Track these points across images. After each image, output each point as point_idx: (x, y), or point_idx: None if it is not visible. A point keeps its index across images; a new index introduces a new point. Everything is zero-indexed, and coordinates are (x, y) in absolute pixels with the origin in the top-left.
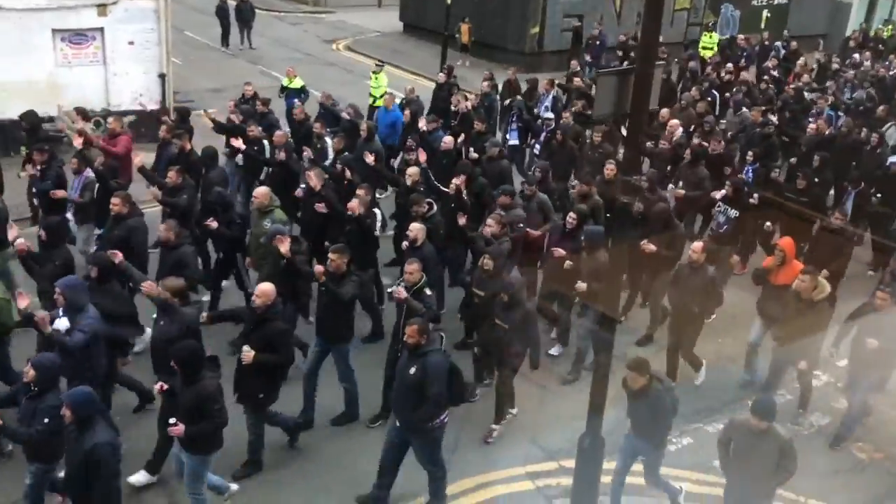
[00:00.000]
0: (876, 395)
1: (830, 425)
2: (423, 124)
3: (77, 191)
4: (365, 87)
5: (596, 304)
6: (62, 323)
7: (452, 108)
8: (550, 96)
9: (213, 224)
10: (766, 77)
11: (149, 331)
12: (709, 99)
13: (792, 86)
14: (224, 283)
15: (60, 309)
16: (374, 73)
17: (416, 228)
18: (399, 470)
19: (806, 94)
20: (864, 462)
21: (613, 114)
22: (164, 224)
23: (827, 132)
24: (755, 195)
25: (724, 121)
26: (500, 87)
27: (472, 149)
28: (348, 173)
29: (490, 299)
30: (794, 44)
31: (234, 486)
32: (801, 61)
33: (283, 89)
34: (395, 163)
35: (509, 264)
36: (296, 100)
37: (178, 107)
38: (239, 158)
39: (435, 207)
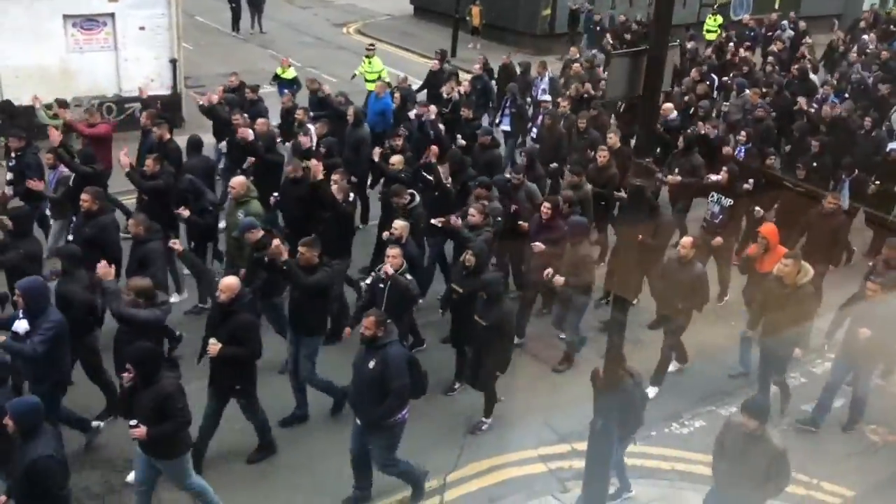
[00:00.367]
0: (885, 381)
1: (842, 409)
2: (413, 112)
3: (52, 186)
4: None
5: (573, 298)
6: (22, 325)
7: (444, 95)
8: (546, 79)
9: (185, 212)
10: (769, 59)
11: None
12: (707, 82)
13: (796, 67)
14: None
15: (21, 311)
16: (366, 56)
17: (400, 226)
18: (373, 469)
19: (812, 76)
20: (878, 444)
21: (626, 95)
22: (132, 219)
23: (831, 116)
24: (750, 181)
25: (726, 104)
26: (495, 72)
27: (459, 136)
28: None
29: (470, 295)
30: (801, 24)
31: None
32: (808, 41)
33: (276, 78)
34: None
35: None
36: (285, 90)
37: (164, 96)
38: (223, 146)
39: (417, 198)
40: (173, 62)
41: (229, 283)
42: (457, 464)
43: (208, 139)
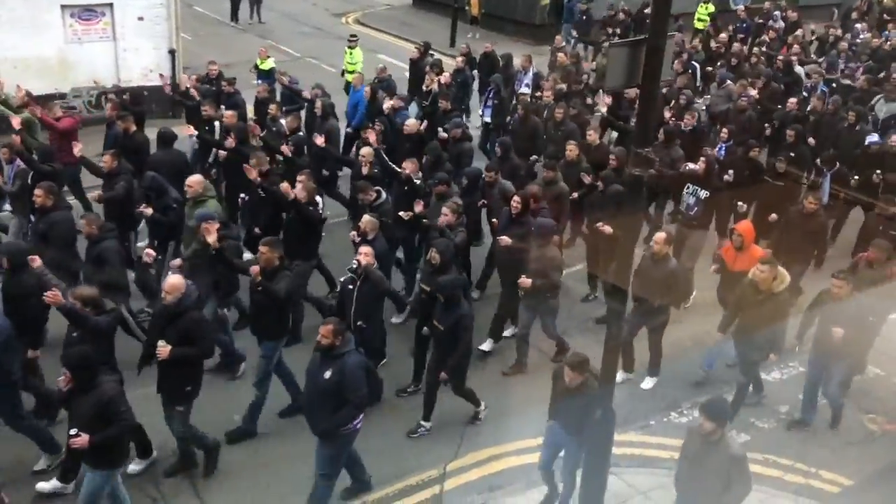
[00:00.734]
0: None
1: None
2: (388, 104)
3: (10, 180)
4: (375, 60)
5: (541, 301)
6: None
7: (424, 87)
8: (531, 73)
9: (147, 211)
10: (755, 50)
11: None
12: (689, 72)
13: (780, 58)
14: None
15: None
16: (348, 48)
17: (366, 221)
18: (361, 460)
19: (797, 68)
20: (876, 433)
21: (625, 85)
22: (84, 218)
23: (815, 108)
24: (730, 171)
25: (709, 95)
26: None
27: (440, 129)
28: (286, 150)
29: (435, 295)
30: (792, 14)
31: None
32: (797, 32)
33: (256, 68)
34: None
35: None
36: (260, 80)
37: (132, 88)
38: (193, 139)
39: (384, 195)
40: (172, 52)
41: (174, 283)
42: (457, 453)
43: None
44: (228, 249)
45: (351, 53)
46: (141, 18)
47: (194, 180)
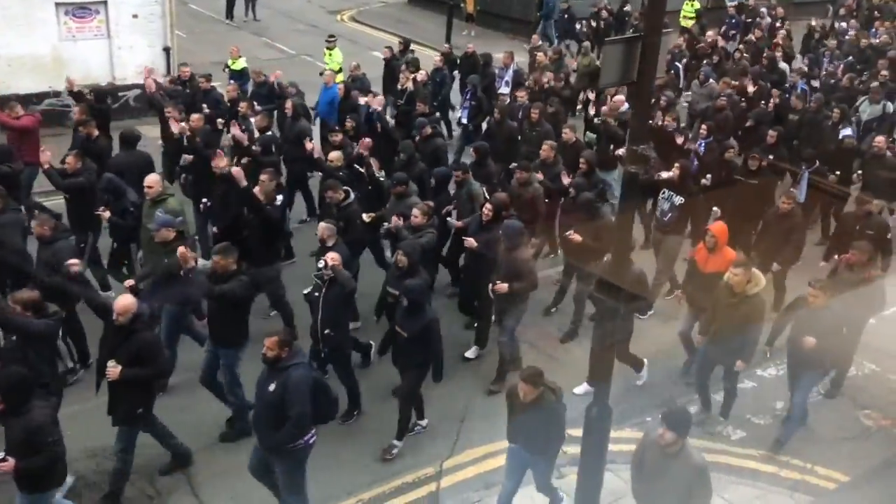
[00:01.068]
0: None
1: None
2: (364, 100)
3: None
4: (370, 58)
5: (512, 303)
6: None
7: (399, 86)
8: (511, 71)
9: (105, 214)
10: (739, 47)
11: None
12: (672, 71)
13: (765, 56)
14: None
15: None
16: (327, 48)
17: (323, 228)
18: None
19: (782, 64)
20: (871, 429)
21: (620, 82)
22: (36, 219)
23: (794, 106)
24: (708, 176)
25: (690, 93)
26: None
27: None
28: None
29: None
30: (780, 10)
31: None
32: (783, 30)
33: (227, 68)
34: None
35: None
36: (231, 80)
37: (95, 87)
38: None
39: (352, 196)
40: (167, 50)
41: (125, 304)
42: (453, 450)
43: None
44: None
45: (330, 54)
46: (135, 16)
47: (153, 180)
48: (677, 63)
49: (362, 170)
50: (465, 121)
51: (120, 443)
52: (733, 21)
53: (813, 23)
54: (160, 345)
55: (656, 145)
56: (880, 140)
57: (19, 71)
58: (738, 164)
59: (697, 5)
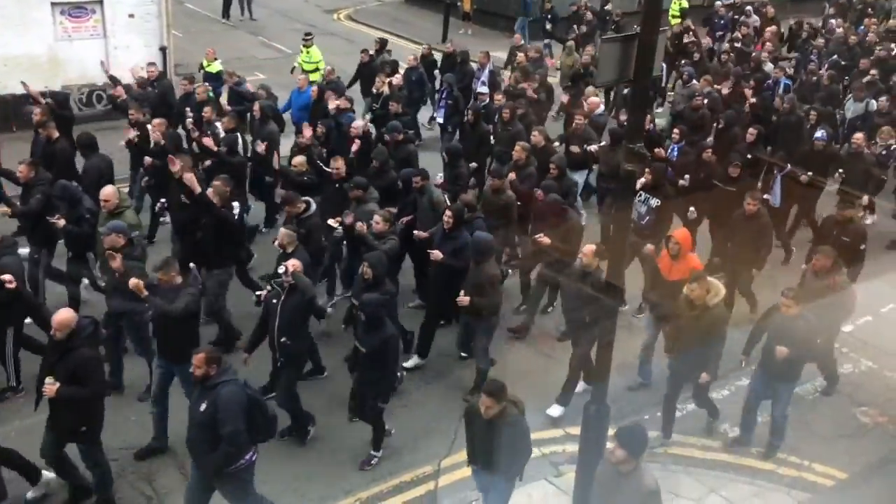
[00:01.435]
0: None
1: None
2: (333, 104)
3: None
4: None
5: (479, 319)
6: None
7: (374, 89)
8: (487, 70)
9: (60, 222)
10: (725, 47)
11: None
12: None
13: (754, 54)
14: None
15: None
16: (304, 46)
17: (283, 234)
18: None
19: (768, 65)
20: (868, 426)
21: (617, 80)
22: None
23: (776, 107)
24: (685, 177)
25: (672, 93)
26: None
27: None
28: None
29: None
30: (769, 9)
31: None
32: (771, 28)
33: (201, 69)
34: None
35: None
36: (198, 82)
37: (55, 92)
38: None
39: (312, 207)
40: (163, 50)
41: (63, 319)
42: (451, 449)
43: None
44: (133, 271)
45: (307, 52)
46: (132, 16)
47: (108, 193)
48: (662, 62)
49: (329, 169)
50: (440, 120)
51: (86, 460)
52: (722, 21)
53: (792, 21)
54: (99, 363)
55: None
56: (858, 137)
57: (15, 71)
58: (715, 165)
59: (685, 4)
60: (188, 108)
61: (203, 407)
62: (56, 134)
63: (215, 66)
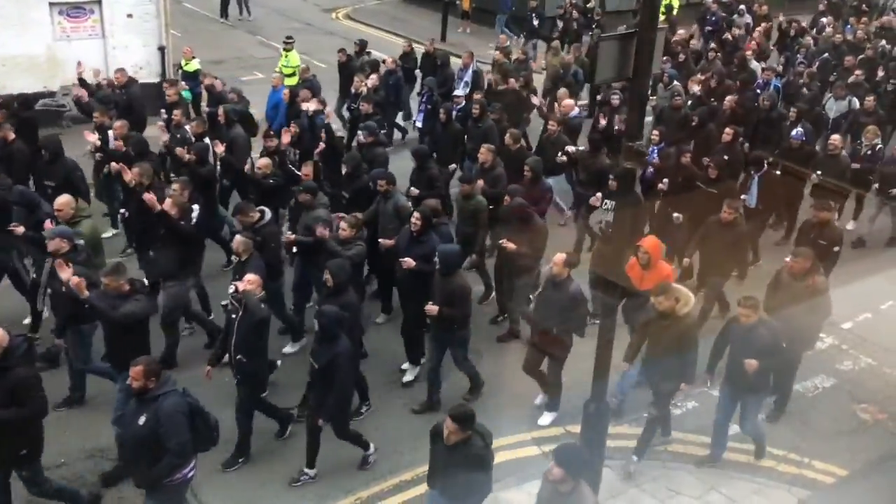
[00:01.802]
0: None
1: (834, 388)
2: (306, 106)
3: None
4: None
5: (450, 333)
6: None
7: (353, 90)
8: (470, 71)
9: (19, 230)
10: (712, 46)
11: None
12: None
13: (738, 53)
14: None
15: None
16: (284, 50)
17: (238, 242)
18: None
19: (753, 63)
20: (868, 423)
21: (615, 79)
22: None
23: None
24: (665, 181)
25: (652, 98)
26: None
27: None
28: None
29: None
30: (762, 8)
31: None
32: (761, 27)
33: (179, 69)
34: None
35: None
36: (165, 83)
37: (19, 95)
38: (88, 148)
39: (268, 216)
40: (162, 49)
41: None
42: None
43: None
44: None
45: (286, 56)
46: (130, 15)
47: (61, 202)
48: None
49: (298, 172)
50: (419, 124)
51: (32, 488)
52: (713, 18)
53: (781, 19)
54: (38, 380)
55: (610, 150)
56: (836, 139)
57: (14, 71)
58: (694, 168)
59: (674, 2)
60: (163, 111)
61: (142, 420)
62: (12, 136)
63: (193, 66)
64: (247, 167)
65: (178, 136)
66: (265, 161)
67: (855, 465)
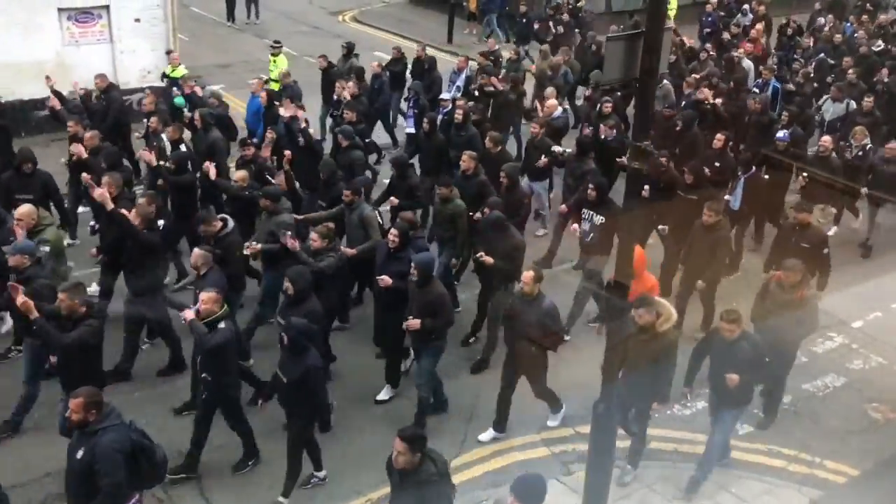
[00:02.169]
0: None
1: (845, 387)
2: (283, 111)
3: None
4: (373, 59)
5: (426, 343)
6: None
7: (335, 96)
8: (464, 75)
9: None
10: (706, 47)
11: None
12: None
13: (724, 56)
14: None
15: None
16: (272, 55)
17: (196, 255)
18: None
19: (745, 62)
20: (879, 422)
21: (622, 79)
22: None
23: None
24: (646, 187)
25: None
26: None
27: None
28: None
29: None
30: (760, 8)
31: None
32: (758, 27)
33: (164, 76)
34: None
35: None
36: (145, 92)
37: (29, 100)
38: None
39: (230, 225)
40: (169, 53)
41: None
42: (461, 449)
43: None
44: (38, 292)
45: (275, 61)
46: (138, 20)
47: (22, 212)
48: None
49: (273, 180)
50: (410, 130)
51: None
52: (709, 18)
53: (783, 20)
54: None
55: (597, 157)
56: (826, 140)
57: (23, 76)
58: (674, 172)
59: (674, 2)
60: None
61: (80, 454)
62: None
63: (179, 72)
64: (212, 174)
65: (155, 143)
66: (242, 174)
67: (866, 464)
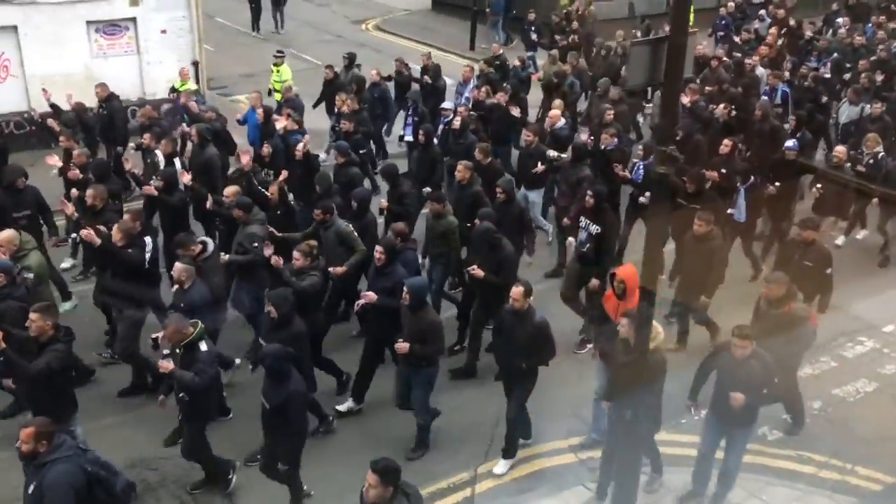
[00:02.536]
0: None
1: (876, 392)
2: (279, 125)
3: None
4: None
5: (418, 370)
6: None
7: (336, 108)
8: (471, 85)
9: None
10: (717, 52)
11: None
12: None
13: (749, 61)
14: None
15: None
16: (274, 65)
17: (178, 269)
18: None
19: (759, 69)
20: None
21: (646, 84)
22: None
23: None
24: (646, 194)
25: (648, 106)
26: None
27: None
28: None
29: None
30: (780, 12)
31: None
32: (772, 30)
33: (173, 90)
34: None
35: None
36: (137, 106)
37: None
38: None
39: (210, 247)
40: (195, 64)
41: None
42: (487, 455)
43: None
44: (9, 312)
45: (278, 71)
46: (164, 31)
47: (3, 238)
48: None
49: (267, 193)
50: (409, 138)
51: None
52: (723, 22)
53: (792, 22)
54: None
55: (594, 166)
56: (840, 151)
57: (53, 89)
58: (679, 182)
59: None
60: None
61: (31, 489)
62: None
63: (188, 86)
64: (209, 203)
65: (149, 160)
66: (233, 189)
67: None
